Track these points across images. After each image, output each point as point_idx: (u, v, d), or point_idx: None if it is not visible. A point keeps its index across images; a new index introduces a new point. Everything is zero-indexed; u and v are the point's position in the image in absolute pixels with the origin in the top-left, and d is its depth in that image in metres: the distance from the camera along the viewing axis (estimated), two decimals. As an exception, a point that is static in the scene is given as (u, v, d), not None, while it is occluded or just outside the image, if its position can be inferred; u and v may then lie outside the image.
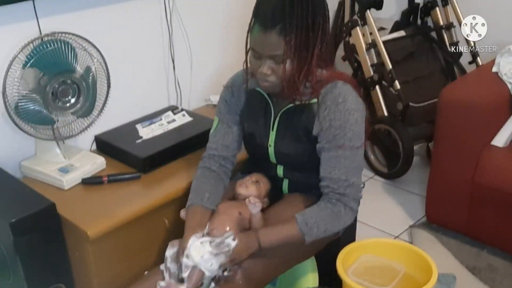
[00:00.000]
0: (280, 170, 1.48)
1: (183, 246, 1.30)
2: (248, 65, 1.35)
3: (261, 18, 1.25)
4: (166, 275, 1.33)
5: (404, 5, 2.70)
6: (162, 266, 1.37)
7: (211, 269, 1.26)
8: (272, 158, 1.47)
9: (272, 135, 1.44)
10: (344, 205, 1.34)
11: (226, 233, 1.30)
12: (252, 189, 1.46)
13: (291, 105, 1.39)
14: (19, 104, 1.52)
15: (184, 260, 1.28)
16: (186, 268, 1.28)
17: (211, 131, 1.53)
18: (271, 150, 1.45)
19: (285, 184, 1.50)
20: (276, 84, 1.32)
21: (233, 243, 1.27)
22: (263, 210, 1.43)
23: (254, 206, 1.40)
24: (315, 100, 1.36)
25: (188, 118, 1.98)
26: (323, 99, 1.34)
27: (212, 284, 1.29)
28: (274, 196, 1.49)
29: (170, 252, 1.35)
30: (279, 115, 1.42)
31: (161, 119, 1.94)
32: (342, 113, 1.32)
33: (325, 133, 1.34)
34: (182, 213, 1.42)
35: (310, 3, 1.23)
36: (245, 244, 1.29)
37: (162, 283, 1.32)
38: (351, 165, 1.34)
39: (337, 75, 1.37)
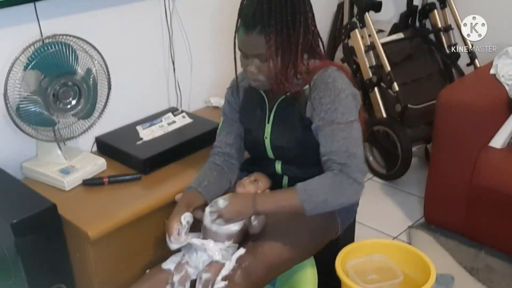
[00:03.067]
0: (278, 166, 1.50)
1: (169, 224, 1.37)
2: (240, 64, 1.40)
3: (244, 19, 1.31)
4: None
5: (403, 7, 2.71)
6: (164, 265, 1.38)
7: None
8: (269, 152, 1.49)
9: (268, 128, 1.47)
10: (347, 176, 1.30)
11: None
12: (250, 188, 1.47)
13: (284, 96, 1.42)
14: (20, 105, 1.53)
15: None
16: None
17: (218, 130, 1.60)
18: (267, 143, 1.47)
19: (285, 181, 1.51)
20: (265, 82, 1.37)
21: (222, 204, 1.36)
22: None
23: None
24: (307, 86, 1.39)
25: (188, 120, 1.99)
26: (315, 82, 1.37)
27: (222, 284, 1.30)
28: None
29: (177, 277, 1.36)
30: (274, 108, 1.45)
31: (161, 121, 1.96)
32: (332, 91, 1.34)
33: (317, 112, 1.36)
34: (177, 196, 1.47)
35: (288, 3, 1.28)
36: (237, 205, 1.36)
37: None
38: (349, 137, 1.33)
39: (330, 63, 1.41)
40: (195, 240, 1.37)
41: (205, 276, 1.33)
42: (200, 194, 1.45)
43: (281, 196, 1.38)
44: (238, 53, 1.38)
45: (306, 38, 1.33)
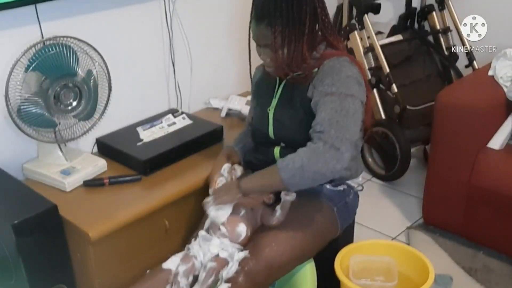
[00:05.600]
0: (277, 152, 1.51)
1: (211, 176, 1.56)
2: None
3: (254, 11, 1.38)
4: (175, 287, 1.36)
5: (402, 9, 2.72)
6: (164, 265, 1.39)
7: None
8: (270, 129, 1.51)
9: (274, 101, 1.51)
10: (324, 142, 1.29)
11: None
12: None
13: (288, 77, 1.46)
14: (22, 107, 1.54)
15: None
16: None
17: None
18: (270, 115, 1.51)
19: None
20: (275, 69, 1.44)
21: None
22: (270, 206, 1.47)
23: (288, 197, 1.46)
24: (316, 70, 1.42)
25: (188, 121, 2.00)
26: (324, 66, 1.41)
27: (225, 286, 1.31)
28: (277, 193, 1.49)
29: (183, 267, 1.38)
30: (282, 84, 1.50)
31: (161, 122, 1.96)
32: (335, 72, 1.38)
33: (316, 88, 1.39)
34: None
35: None
36: (225, 186, 1.49)
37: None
38: (337, 108, 1.33)
39: (345, 54, 1.44)
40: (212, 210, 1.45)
41: (211, 264, 1.35)
42: (236, 153, 1.63)
43: (263, 172, 1.42)
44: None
45: (313, 29, 1.38)
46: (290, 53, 1.37)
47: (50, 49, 1.54)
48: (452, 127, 1.99)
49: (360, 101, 1.37)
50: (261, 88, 1.61)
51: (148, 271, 1.43)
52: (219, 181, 1.51)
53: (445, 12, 2.58)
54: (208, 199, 1.45)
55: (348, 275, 1.52)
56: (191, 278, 1.37)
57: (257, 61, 1.53)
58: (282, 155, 1.49)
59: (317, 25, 1.39)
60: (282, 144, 1.51)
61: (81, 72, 1.62)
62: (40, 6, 1.63)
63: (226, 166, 1.55)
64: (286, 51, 1.37)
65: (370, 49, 2.42)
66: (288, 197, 1.43)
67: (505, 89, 2.03)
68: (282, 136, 1.50)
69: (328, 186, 1.52)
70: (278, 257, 1.38)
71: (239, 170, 1.56)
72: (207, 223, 1.47)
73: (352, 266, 1.57)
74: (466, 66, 2.54)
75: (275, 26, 1.34)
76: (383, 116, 2.45)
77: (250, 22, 1.41)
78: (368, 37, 2.42)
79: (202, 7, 2.16)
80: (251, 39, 1.45)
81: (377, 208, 2.36)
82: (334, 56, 1.41)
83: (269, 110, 1.51)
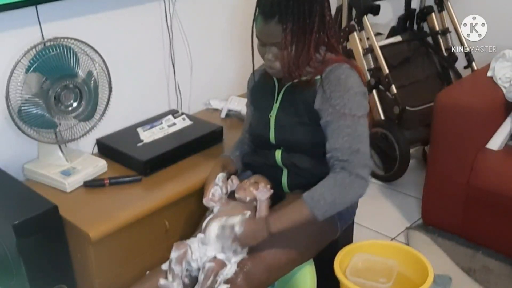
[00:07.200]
0: (278, 155, 1.50)
1: (205, 186, 1.53)
2: (258, 52, 1.44)
3: (262, 8, 1.35)
4: (170, 276, 1.36)
5: (401, 10, 2.73)
6: (164, 266, 1.39)
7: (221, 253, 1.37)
8: (272, 134, 1.50)
9: (275, 107, 1.50)
10: (349, 172, 1.34)
11: (239, 216, 1.40)
12: (251, 190, 1.49)
13: (295, 80, 1.45)
14: (22, 108, 1.54)
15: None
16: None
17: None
18: (272, 121, 1.50)
19: (285, 176, 1.51)
20: (280, 70, 1.40)
21: (238, 231, 1.35)
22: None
23: (263, 193, 1.45)
24: (318, 77, 1.41)
25: (188, 122, 2.00)
26: (327, 75, 1.40)
27: (225, 286, 1.31)
28: (276, 197, 1.51)
29: (175, 254, 1.38)
30: (283, 89, 1.49)
31: (161, 123, 1.97)
32: (343, 87, 1.37)
33: (326, 106, 1.38)
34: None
35: None
36: (252, 230, 1.36)
37: (162, 281, 1.35)
38: (353, 133, 1.36)
39: (345, 60, 1.43)
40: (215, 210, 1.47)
41: (209, 265, 1.34)
42: (232, 162, 1.60)
43: (291, 211, 1.38)
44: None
45: (320, 27, 1.36)
46: (298, 51, 1.35)
47: (51, 50, 1.55)
48: (451, 128, 1.99)
49: (367, 116, 1.40)
50: (258, 94, 1.59)
51: (147, 272, 1.43)
52: (214, 191, 1.50)
53: (444, 13, 2.58)
54: (236, 230, 1.36)
55: (345, 272, 1.53)
56: (184, 265, 1.37)
57: (259, 61, 1.51)
58: (283, 158, 1.50)
59: (323, 25, 1.38)
60: (282, 148, 1.51)
61: (81, 73, 1.62)
62: (40, 7, 1.64)
63: (221, 176, 1.52)
64: (294, 50, 1.35)
65: (369, 50, 2.42)
66: (262, 197, 1.44)
67: (504, 90, 2.04)
68: (283, 141, 1.49)
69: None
70: (277, 258, 1.39)
71: (235, 180, 1.54)
72: (204, 224, 1.47)
73: (356, 264, 1.57)
74: (465, 67, 2.55)
75: (287, 23, 1.31)
76: (382, 117, 2.45)
77: (254, 20, 1.38)
78: (368, 38, 2.43)
79: (202, 8, 2.17)
80: (254, 38, 1.42)
81: (376, 209, 2.37)
82: (335, 62, 1.40)
83: (271, 116, 1.50)
